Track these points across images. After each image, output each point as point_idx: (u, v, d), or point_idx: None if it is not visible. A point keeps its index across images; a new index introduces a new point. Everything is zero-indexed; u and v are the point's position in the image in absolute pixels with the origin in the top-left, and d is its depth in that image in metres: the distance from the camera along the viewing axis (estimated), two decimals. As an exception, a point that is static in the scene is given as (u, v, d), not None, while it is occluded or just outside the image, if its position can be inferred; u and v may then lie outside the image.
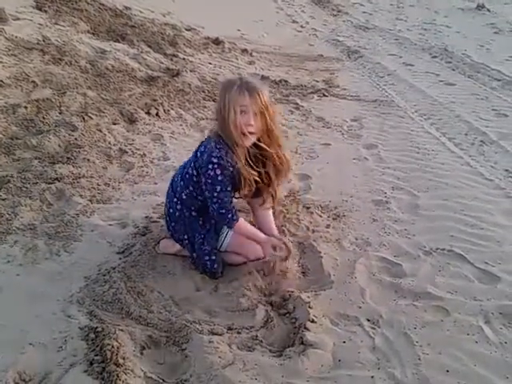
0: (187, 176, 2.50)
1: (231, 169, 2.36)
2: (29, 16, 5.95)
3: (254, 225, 2.72)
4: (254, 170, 2.45)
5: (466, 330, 2.23)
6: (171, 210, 2.60)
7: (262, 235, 2.58)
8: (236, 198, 2.53)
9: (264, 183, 2.54)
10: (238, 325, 2.23)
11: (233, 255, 2.62)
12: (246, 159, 2.45)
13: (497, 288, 2.51)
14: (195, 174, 2.44)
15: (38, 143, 3.66)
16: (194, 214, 2.56)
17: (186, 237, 2.57)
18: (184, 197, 2.54)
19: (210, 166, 2.32)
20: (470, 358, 2.08)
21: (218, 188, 2.35)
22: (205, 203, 2.47)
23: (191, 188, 2.49)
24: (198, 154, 2.43)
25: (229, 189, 2.38)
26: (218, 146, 2.35)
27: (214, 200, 2.37)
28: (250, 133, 2.34)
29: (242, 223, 2.51)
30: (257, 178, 2.46)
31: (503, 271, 2.63)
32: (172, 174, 3.40)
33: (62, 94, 4.50)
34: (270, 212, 2.73)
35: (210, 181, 2.34)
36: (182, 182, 2.55)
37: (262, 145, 2.43)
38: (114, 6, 7.45)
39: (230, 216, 2.42)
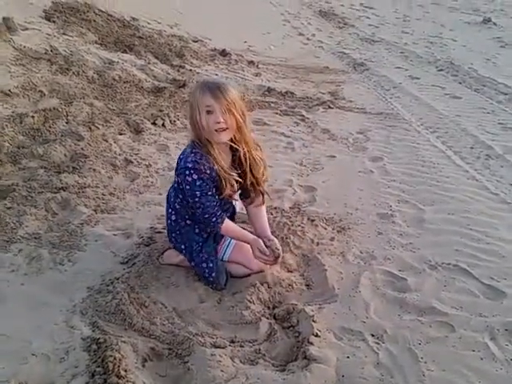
0: (175, 185, 2.55)
1: (209, 171, 2.36)
2: (37, 26, 6.00)
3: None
4: (234, 171, 2.47)
5: (471, 346, 2.21)
6: (169, 221, 2.63)
7: (250, 236, 2.55)
8: (220, 199, 2.48)
9: (247, 182, 2.55)
10: (241, 338, 2.22)
11: (236, 266, 2.62)
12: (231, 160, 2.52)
13: (502, 304, 2.48)
14: (179, 181, 2.46)
15: (44, 152, 3.68)
16: (188, 222, 2.57)
17: (183, 246, 2.58)
18: (177, 206, 2.56)
19: (187, 172, 2.34)
20: (475, 375, 2.06)
21: (198, 193, 2.36)
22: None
23: (181, 196, 2.51)
24: (178, 161, 2.45)
25: (210, 193, 2.39)
26: (194, 151, 2.37)
27: (197, 205, 2.39)
28: (223, 129, 2.33)
29: (229, 225, 2.51)
30: (237, 178, 2.47)
31: (509, 287, 2.61)
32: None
33: (69, 103, 4.53)
34: (263, 209, 2.71)
35: (188, 187, 2.36)
36: (173, 193, 2.58)
37: (231, 144, 2.44)
38: (121, 17, 7.52)
39: (214, 220, 2.42)
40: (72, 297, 2.41)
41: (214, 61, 6.95)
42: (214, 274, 2.51)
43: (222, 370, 1.98)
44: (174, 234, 2.61)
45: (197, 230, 2.57)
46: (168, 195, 2.67)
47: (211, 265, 2.52)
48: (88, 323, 2.23)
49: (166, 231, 2.77)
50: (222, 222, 2.46)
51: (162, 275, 2.61)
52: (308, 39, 9.36)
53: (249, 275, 2.60)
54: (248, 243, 2.53)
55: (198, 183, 2.34)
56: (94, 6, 7.38)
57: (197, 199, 2.37)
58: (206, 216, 2.41)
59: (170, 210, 2.61)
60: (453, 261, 2.82)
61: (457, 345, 2.22)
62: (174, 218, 2.59)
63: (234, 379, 1.96)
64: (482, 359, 2.15)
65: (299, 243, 2.93)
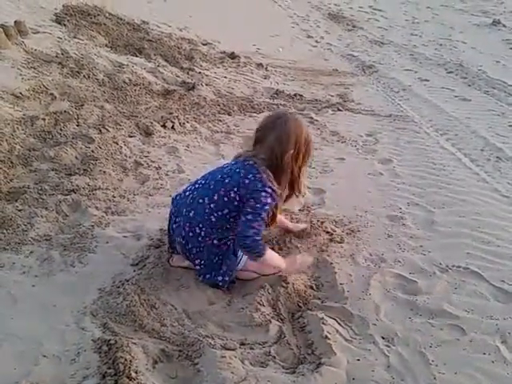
0: (225, 199, 2.41)
1: (274, 204, 2.42)
2: (48, 29, 6.06)
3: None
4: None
5: (482, 349, 2.20)
6: (191, 234, 2.50)
7: (284, 264, 2.59)
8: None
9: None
10: (250, 340, 2.22)
11: (248, 273, 2.60)
12: None
13: (514, 307, 2.47)
14: (237, 198, 2.39)
15: (55, 155, 3.70)
16: (215, 242, 2.50)
17: (200, 261, 2.53)
18: (213, 219, 2.45)
19: (264, 194, 2.34)
20: (486, 378, 2.05)
21: (263, 215, 2.36)
22: (232, 226, 2.46)
23: (226, 211, 2.42)
24: (246, 180, 2.37)
25: (265, 221, 2.43)
26: (271, 179, 2.39)
27: (254, 224, 2.34)
28: None
29: (271, 252, 2.51)
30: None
31: (520, 290, 2.59)
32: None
33: (80, 106, 4.56)
34: None
35: (259, 205, 2.34)
36: (212, 205, 2.45)
37: None
38: (131, 21, 7.57)
39: (261, 246, 2.38)
40: (83, 298, 2.42)
41: (223, 63, 6.97)
42: (225, 286, 2.53)
43: (232, 372, 1.98)
44: (195, 250, 2.51)
45: (216, 242, 2.51)
46: (191, 206, 2.53)
47: (227, 278, 2.51)
48: (99, 325, 2.24)
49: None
50: (266, 249, 2.44)
51: (171, 277, 2.61)
52: (317, 42, 9.35)
53: (258, 277, 2.60)
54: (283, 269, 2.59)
55: (266, 207, 2.36)
56: (105, 9, 7.44)
57: (259, 219, 2.34)
58: (258, 238, 2.35)
59: (200, 226, 2.49)
60: (463, 263, 2.81)
61: (468, 348, 2.21)
62: (203, 234, 2.48)
63: (244, 381, 1.96)
64: (493, 362, 2.14)
65: (309, 245, 2.93)
